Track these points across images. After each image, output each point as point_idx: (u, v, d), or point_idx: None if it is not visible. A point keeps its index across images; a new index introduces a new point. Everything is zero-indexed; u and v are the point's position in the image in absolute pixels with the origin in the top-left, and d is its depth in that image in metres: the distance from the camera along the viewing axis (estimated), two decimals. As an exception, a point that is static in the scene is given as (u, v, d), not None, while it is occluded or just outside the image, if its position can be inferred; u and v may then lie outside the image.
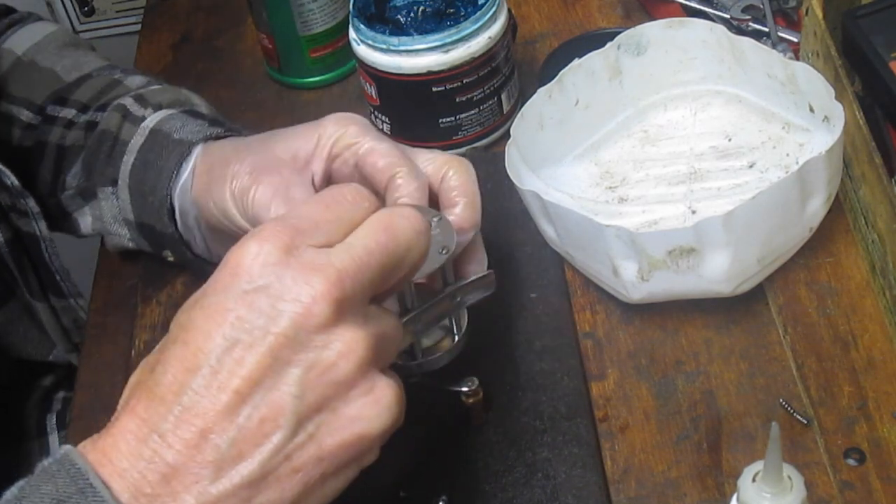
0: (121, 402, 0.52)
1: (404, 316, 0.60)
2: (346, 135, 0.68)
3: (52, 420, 0.91)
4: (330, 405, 0.50)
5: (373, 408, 0.51)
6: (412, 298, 0.61)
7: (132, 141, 0.78)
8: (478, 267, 0.67)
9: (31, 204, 0.83)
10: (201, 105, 0.83)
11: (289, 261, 0.50)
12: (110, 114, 0.81)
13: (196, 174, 0.74)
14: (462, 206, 0.66)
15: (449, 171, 0.67)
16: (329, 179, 0.69)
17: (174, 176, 0.75)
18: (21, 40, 0.90)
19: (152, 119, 0.78)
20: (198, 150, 0.75)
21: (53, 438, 0.90)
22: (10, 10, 0.94)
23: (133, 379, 0.53)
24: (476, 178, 0.68)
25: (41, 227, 0.84)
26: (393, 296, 0.60)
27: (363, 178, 0.67)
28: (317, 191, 0.68)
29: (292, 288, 0.50)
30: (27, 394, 0.93)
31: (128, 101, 0.81)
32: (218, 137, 0.76)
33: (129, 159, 0.78)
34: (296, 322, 0.49)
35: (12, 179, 0.81)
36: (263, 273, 0.50)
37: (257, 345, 0.49)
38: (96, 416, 0.77)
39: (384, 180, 0.65)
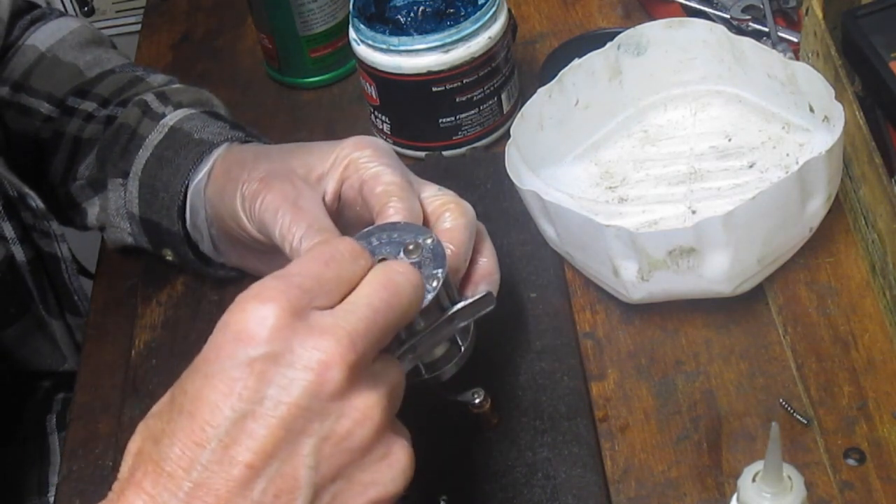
0: (122, 471, 0.50)
1: (403, 346, 0.59)
2: (359, 157, 0.67)
3: (52, 421, 0.91)
4: (345, 473, 0.49)
5: (388, 472, 0.50)
6: (416, 322, 0.60)
7: (150, 137, 0.78)
8: (483, 258, 0.67)
9: (55, 226, 0.83)
10: (220, 107, 0.83)
11: (295, 325, 0.48)
12: (130, 108, 0.81)
13: (213, 175, 0.74)
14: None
15: (445, 213, 0.65)
16: (339, 200, 0.69)
17: (190, 174, 0.75)
18: (44, 36, 0.90)
19: (172, 117, 0.78)
20: (219, 151, 0.75)
21: (53, 439, 0.90)
22: (32, 6, 0.95)
23: (133, 447, 0.50)
24: (473, 222, 0.66)
25: (63, 249, 0.84)
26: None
27: (364, 201, 0.66)
28: (328, 208, 0.67)
29: (302, 354, 0.48)
30: (27, 395, 0.93)
31: (149, 98, 0.81)
32: (240, 141, 0.76)
33: (143, 154, 0.78)
34: (309, 390, 0.48)
35: (37, 202, 0.82)
36: (270, 339, 0.48)
37: (268, 416, 0.47)
38: (96, 416, 0.77)
39: (377, 206, 0.64)
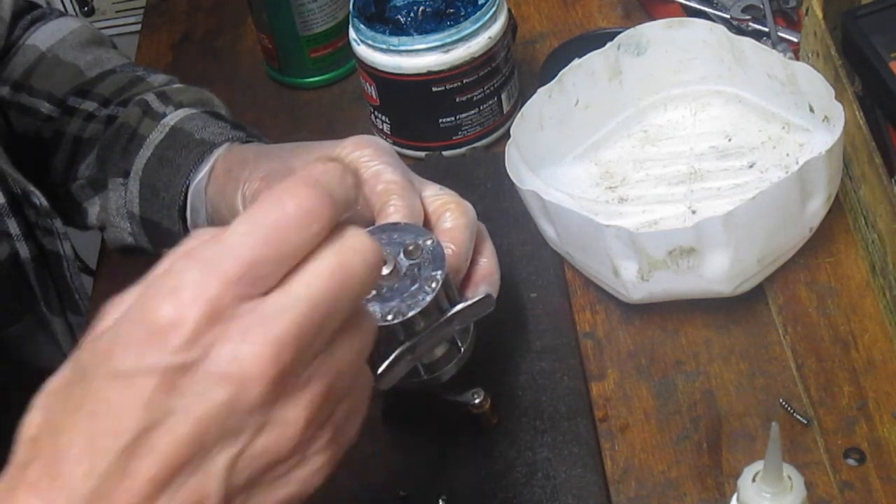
0: (17, 457, 0.45)
1: (401, 346, 0.60)
2: (359, 157, 0.66)
3: (52, 421, 0.91)
4: (257, 484, 0.45)
5: (302, 471, 0.46)
6: (415, 323, 0.60)
7: (150, 136, 0.78)
8: (484, 258, 0.67)
9: (58, 224, 0.83)
10: (221, 107, 0.84)
11: (215, 328, 0.42)
12: (131, 108, 0.81)
13: (214, 174, 0.74)
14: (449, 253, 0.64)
15: (446, 212, 0.65)
16: None
17: (191, 174, 0.75)
18: (45, 36, 0.90)
19: (173, 117, 0.79)
20: (219, 151, 0.75)
21: (53, 439, 0.90)
22: (33, 6, 0.95)
23: (30, 430, 0.45)
24: (474, 222, 0.66)
25: (65, 248, 0.84)
26: (395, 324, 0.60)
27: (364, 199, 0.66)
28: None
29: (219, 364, 0.42)
30: (28, 394, 0.93)
31: (150, 97, 0.81)
32: (241, 141, 0.76)
33: (144, 153, 0.78)
34: (223, 404, 0.42)
35: (41, 200, 0.82)
36: (186, 345, 0.42)
37: (177, 429, 0.42)
38: (96, 416, 0.77)
39: (377, 204, 0.64)
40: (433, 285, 0.59)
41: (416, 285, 0.60)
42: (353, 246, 0.45)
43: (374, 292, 0.60)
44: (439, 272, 0.60)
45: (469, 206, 0.67)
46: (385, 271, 0.60)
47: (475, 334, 0.66)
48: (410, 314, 0.59)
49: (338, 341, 0.46)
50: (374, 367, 0.62)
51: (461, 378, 0.66)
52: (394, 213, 0.63)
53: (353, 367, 0.47)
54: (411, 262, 0.60)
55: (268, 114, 0.99)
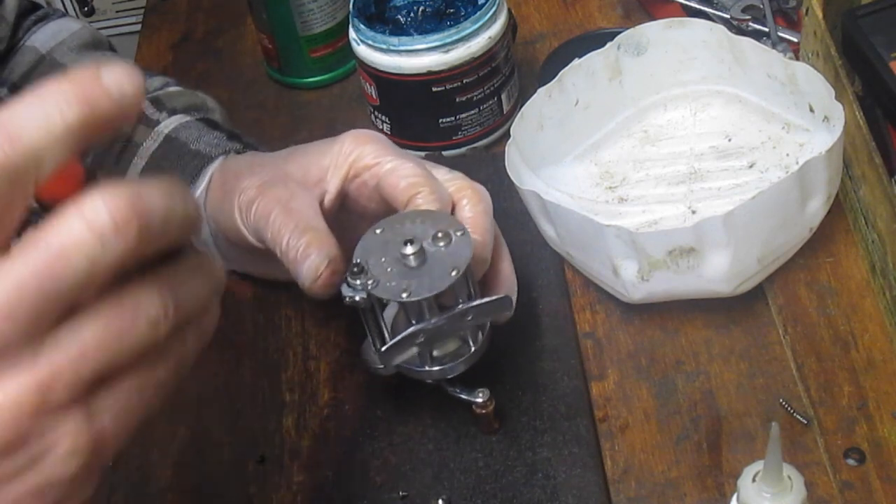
0: None
1: (410, 329, 0.60)
2: (364, 154, 0.67)
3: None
4: None
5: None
6: (429, 310, 0.61)
7: (144, 144, 0.78)
8: (503, 285, 0.67)
9: None
10: (216, 111, 0.83)
11: None
12: None
13: (211, 189, 0.74)
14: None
15: (463, 199, 0.66)
16: (345, 198, 0.69)
17: (189, 188, 0.75)
18: (44, 38, 0.90)
19: (167, 124, 0.78)
20: (215, 165, 0.75)
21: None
22: (35, 7, 0.94)
23: None
24: (490, 206, 0.67)
25: None
26: (408, 302, 0.60)
27: (383, 198, 0.67)
28: (329, 211, 0.67)
29: None
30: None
31: (144, 103, 0.81)
32: (235, 152, 0.76)
33: (139, 163, 0.78)
34: None
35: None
36: None
37: None
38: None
39: (404, 200, 0.65)
40: (454, 273, 0.60)
41: (439, 271, 0.61)
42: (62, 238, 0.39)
43: (396, 270, 0.61)
44: (463, 260, 0.61)
45: (483, 189, 0.67)
46: (410, 251, 0.61)
47: (489, 337, 0.66)
48: (425, 295, 0.60)
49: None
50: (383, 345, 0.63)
51: (470, 381, 0.67)
52: (423, 205, 0.65)
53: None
54: (437, 248, 0.61)
55: (268, 114, 0.99)
